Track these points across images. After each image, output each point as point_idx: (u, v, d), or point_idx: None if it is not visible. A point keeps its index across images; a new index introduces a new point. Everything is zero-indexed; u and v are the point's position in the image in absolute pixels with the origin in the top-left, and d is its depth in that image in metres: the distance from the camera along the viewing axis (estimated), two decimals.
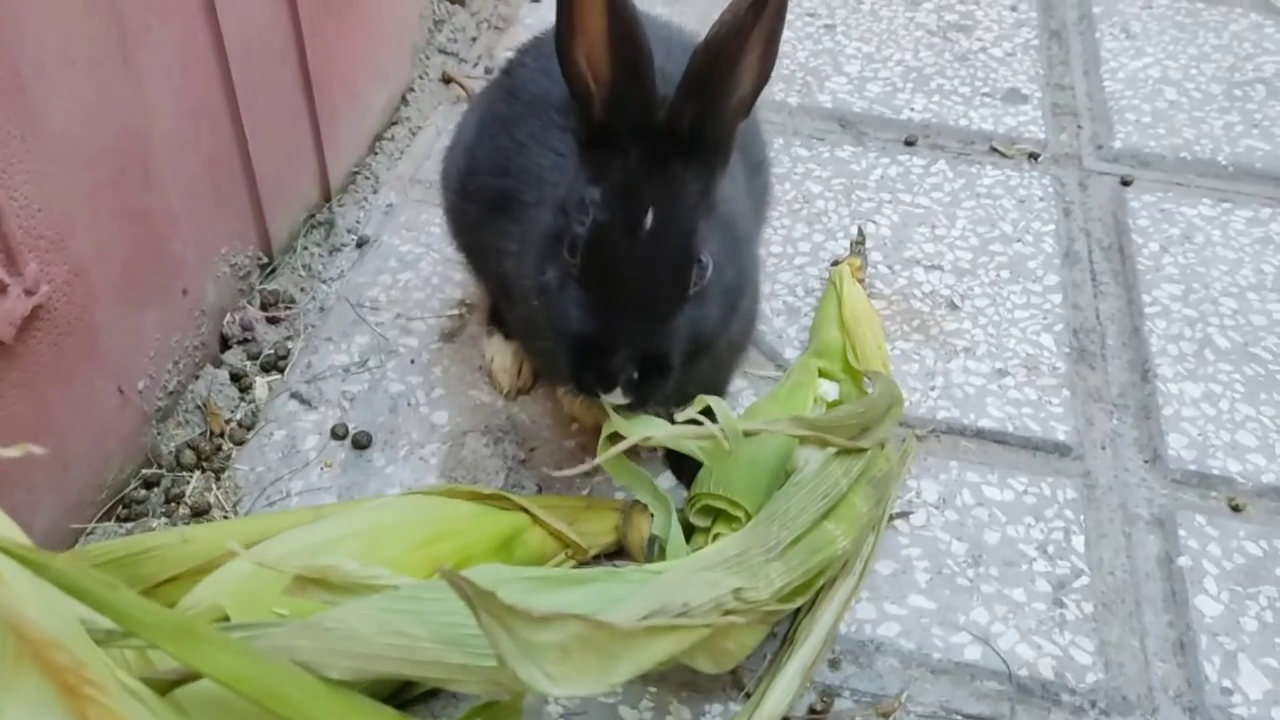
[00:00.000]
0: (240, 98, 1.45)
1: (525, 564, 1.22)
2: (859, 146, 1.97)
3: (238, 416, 1.45)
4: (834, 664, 1.20)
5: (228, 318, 1.53)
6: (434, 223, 1.74)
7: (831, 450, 1.21)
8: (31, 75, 1.06)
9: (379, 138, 1.92)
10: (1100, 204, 1.86)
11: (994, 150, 1.97)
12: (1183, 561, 1.31)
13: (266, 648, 0.82)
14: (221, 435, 1.42)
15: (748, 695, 1.15)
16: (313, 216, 1.73)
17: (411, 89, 2.02)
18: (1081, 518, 1.35)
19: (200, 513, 1.32)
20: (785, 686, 1.12)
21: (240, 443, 1.42)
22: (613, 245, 1.08)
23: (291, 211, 1.68)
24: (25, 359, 1.12)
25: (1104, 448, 1.45)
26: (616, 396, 1.08)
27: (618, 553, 1.28)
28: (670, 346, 1.09)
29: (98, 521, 1.29)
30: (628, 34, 1.05)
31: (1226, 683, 1.19)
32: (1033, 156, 1.95)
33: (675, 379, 1.10)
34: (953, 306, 1.65)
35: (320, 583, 0.87)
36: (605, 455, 1.06)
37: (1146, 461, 1.43)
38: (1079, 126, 2.03)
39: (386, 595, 0.87)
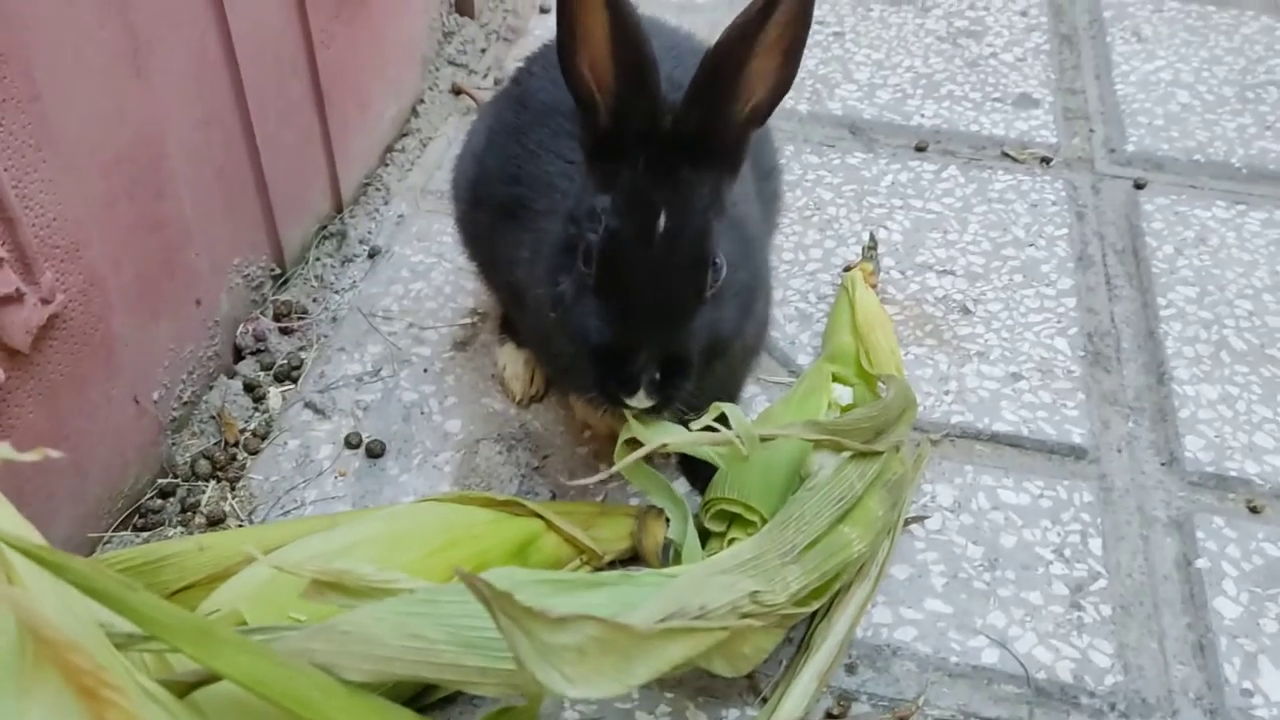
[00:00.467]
0: (252, 109, 1.46)
1: (540, 569, 1.21)
2: (870, 153, 1.97)
3: (252, 426, 1.45)
4: (851, 668, 1.20)
5: (241, 328, 1.54)
6: (445, 232, 1.75)
7: (846, 454, 1.21)
8: (46, 85, 1.07)
9: (390, 149, 1.93)
10: (1114, 207, 1.85)
11: (1005, 155, 1.97)
12: (1201, 563, 1.30)
13: (285, 650, 0.82)
14: (236, 445, 1.42)
15: (764, 700, 1.15)
16: (325, 227, 1.74)
17: (422, 100, 2.03)
18: (1098, 520, 1.35)
19: (216, 522, 1.32)
20: (802, 691, 1.11)
21: (255, 452, 1.42)
22: (627, 251, 1.07)
23: (304, 223, 1.69)
24: (42, 368, 1.13)
25: (1120, 450, 1.44)
26: (641, 400, 1.07)
27: (632, 559, 1.28)
28: (690, 348, 1.08)
29: (114, 531, 1.30)
30: (631, 39, 1.05)
31: (1247, 684, 1.18)
32: (1045, 161, 1.94)
33: (694, 382, 1.09)
34: (966, 311, 1.64)
35: (337, 586, 0.87)
36: (624, 462, 1.06)
37: (1163, 464, 1.42)
38: (1091, 130, 2.03)
39: (403, 598, 0.87)
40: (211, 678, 0.82)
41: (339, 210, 1.79)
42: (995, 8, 2.37)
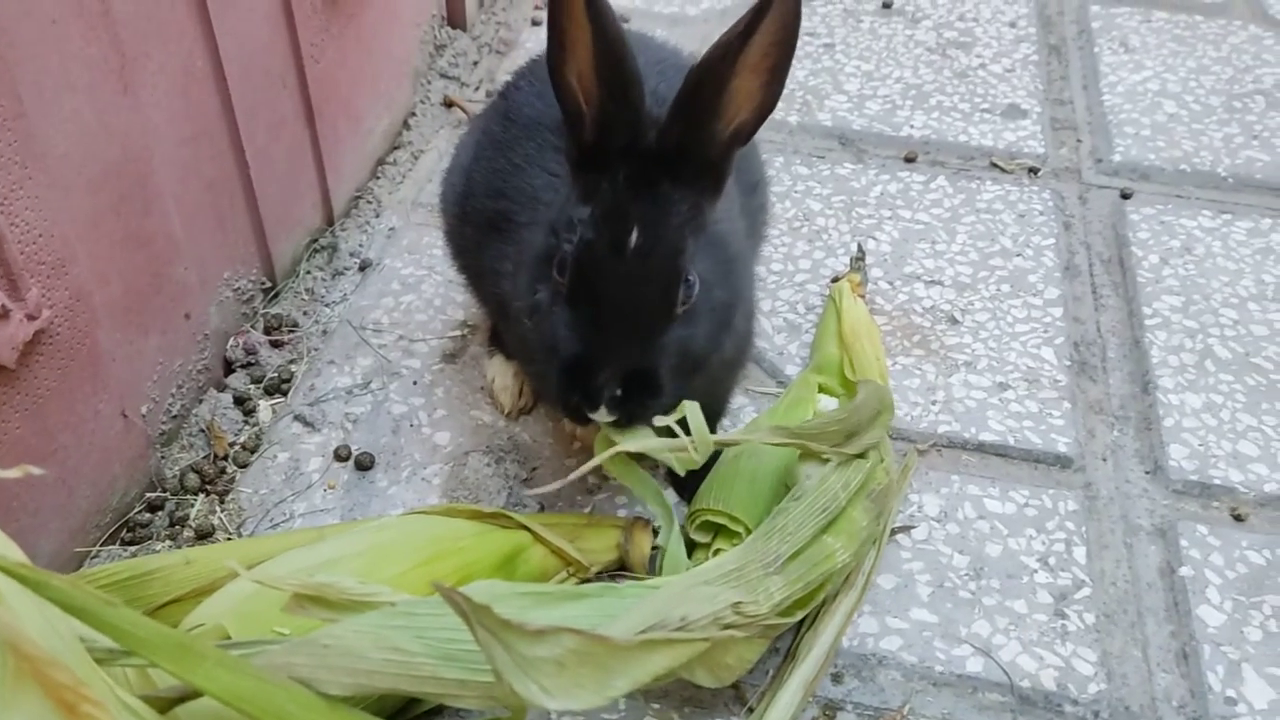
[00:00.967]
0: (241, 123, 1.46)
1: (526, 581, 1.22)
2: (859, 164, 1.98)
3: (241, 439, 1.46)
4: (836, 678, 1.20)
5: (231, 341, 1.54)
6: (436, 245, 1.76)
7: (831, 464, 1.21)
8: (32, 101, 1.08)
9: (381, 162, 1.94)
10: (1100, 217, 1.86)
11: (994, 165, 1.97)
12: (1185, 572, 1.30)
13: (265, 665, 0.82)
14: (225, 458, 1.43)
15: (750, 710, 1.15)
16: (315, 241, 1.75)
17: (413, 113, 2.04)
18: (1083, 529, 1.35)
19: (204, 535, 1.33)
20: (788, 701, 1.12)
21: (244, 465, 1.43)
22: (599, 263, 1.08)
23: (294, 236, 1.69)
24: (28, 383, 1.13)
25: (1105, 459, 1.44)
26: (603, 415, 1.07)
27: (620, 570, 1.28)
28: (657, 363, 1.09)
29: (102, 545, 1.30)
30: (615, 58, 1.06)
31: (1231, 693, 1.18)
32: (1032, 171, 1.95)
33: (667, 398, 1.09)
34: (953, 321, 1.65)
35: (318, 600, 0.88)
36: (586, 467, 1.05)
37: (1148, 472, 1.43)
38: (1078, 140, 2.04)
39: (383, 612, 0.88)
40: (193, 693, 0.82)
41: (330, 223, 1.79)
42: (984, 19, 2.39)
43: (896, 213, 1.86)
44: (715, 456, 1.31)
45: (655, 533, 1.24)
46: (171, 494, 1.37)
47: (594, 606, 0.98)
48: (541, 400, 1.49)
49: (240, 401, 1.50)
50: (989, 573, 1.30)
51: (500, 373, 1.51)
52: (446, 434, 1.48)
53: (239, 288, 1.56)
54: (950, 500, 1.39)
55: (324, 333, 1.63)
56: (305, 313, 1.65)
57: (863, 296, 1.61)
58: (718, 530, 1.22)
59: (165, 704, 0.84)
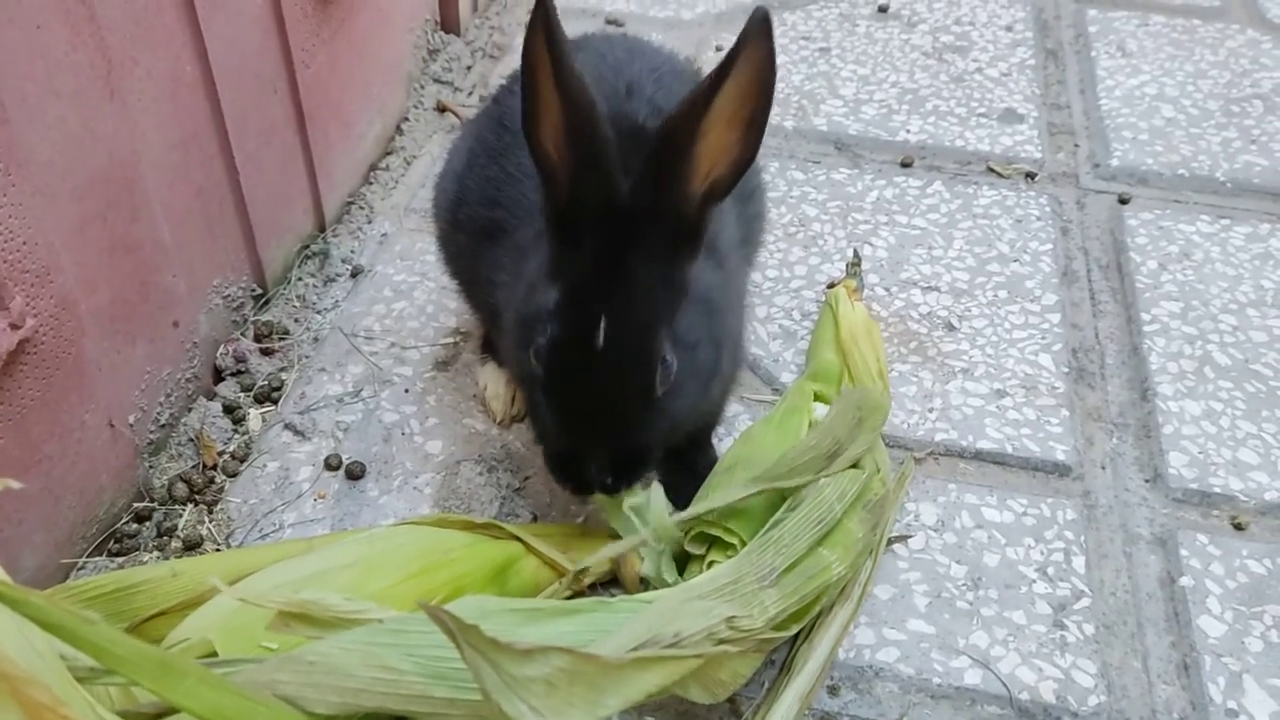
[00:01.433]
0: (230, 129, 1.45)
1: (519, 593, 1.20)
2: (855, 169, 1.97)
3: (230, 448, 1.44)
4: (833, 690, 1.19)
5: (221, 349, 1.53)
6: (429, 251, 1.74)
7: (827, 475, 1.20)
8: (15, 108, 1.06)
9: (374, 167, 1.92)
10: (1098, 222, 1.85)
11: (990, 170, 1.96)
12: (1185, 581, 1.29)
13: (249, 682, 0.81)
14: (214, 468, 1.41)
15: None
16: (307, 247, 1.73)
17: (406, 118, 2.02)
18: (1082, 538, 1.34)
19: (192, 546, 1.31)
20: (784, 714, 1.10)
21: (233, 475, 1.41)
22: (571, 361, 1.07)
23: (285, 242, 1.68)
24: (12, 393, 1.12)
25: (1104, 467, 1.43)
26: (597, 497, 1.13)
27: (615, 580, 1.27)
28: (643, 444, 1.11)
29: (89, 556, 1.29)
30: (585, 126, 1.04)
31: (1232, 704, 1.17)
32: (1030, 176, 1.94)
33: (654, 462, 1.13)
34: (950, 327, 1.63)
35: (304, 617, 0.86)
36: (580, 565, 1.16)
37: (1147, 481, 1.42)
38: (1076, 145, 2.02)
39: (371, 628, 0.86)
40: (175, 711, 0.81)
41: (322, 229, 1.78)
42: (980, 23, 2.38)
43: (893, 218, 1.85)
44: (711, 463, 1.31)
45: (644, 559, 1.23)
46: (159, 504, 1.35)
47: (586, 622, 0.96)
48: None
49: (230, 410, 1.48)
50: (987, 583, 1.29)
51: (493, 380, 1.49)
52: (438, 443, 1.46)
53: (229, 295, 1.54)
54: (947, 509, 1.37)
55: (315, 340, 1.61)
56: (296, 320, 1.64)
57: (859, 302, 1.60)
58: (712, 542, 1.21)
59: None
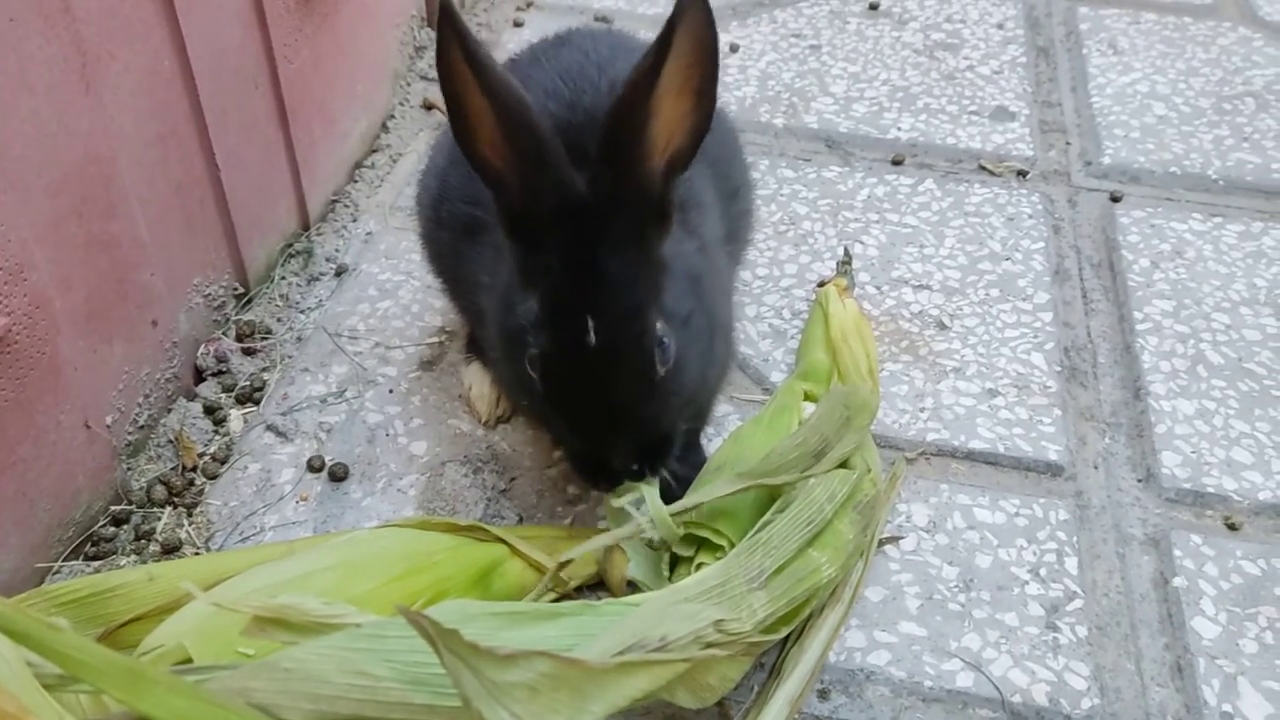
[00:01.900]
0: (211, 124, 1.43)
1: (504, 597, 1.18)
2: (846, 166, 1.95)
3: (211, 450, 1.41)
4: (823, 694, 1.17)
5: (202, 349, 1.50)
6: (414, 250, 1.71)
7: (817, 476, 1.18)
8: None
9: (359, 165, 1.90)
10: (1090, 220, 1.83)
11: (982, 168, 1.95)
12: (1178, 582, 1.27)
13: (221, 690, 0.78)
14: (194, 469, 1.39)
15: None
16: (290, 245, 1.71)
17: (392, 115, 2.00)
18: (1074, 539, 1.32)
19: (171, 550, 1.28)
20: (773, 718, 1.08)
21: (213, 477, 1.39)
22: (567, 369, 1.06)
23: (268, 240, 1.65)
24: None
25: (1096, 467, 1.41)
26: (627, 486, 1.11)
27: (600, 584, 1.25)
28: (663, 426, 1.10)
29: (65, 560, 1.26)
30: (517, 122, 1.02)
31: (1227, 707, 1.15)
32: (1021, 174, 1.93)
33: (677, 441, 1.13)
34: (942, 326, 1.62)
35: (280, 622, 0.84)
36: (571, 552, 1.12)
37: (1140, 481, 1.40)
38: (1067, 143, 2.01)
39: (348, 633, 0.84)
40: (146, 719, 0.78)
41: (305, 228, 1.76)
42: (972, 20, 2.36)
43: (884, 216, 1.83)
44: (700, 463, 1.29)
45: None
46: (138, 507, 1.33)
47: (571, 626, 0.94)
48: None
49: (210, 411, 1.46)
50: (979, 584, 1.27)
51: (478, 380, 1.47)
52: (423, 443, 1.44)
53: (209, 294, 1.52)
54: (939, 510, 1.36)
55: (298, 340, 1.59)
56: (279, 319, 1.61)
57: (850, 300, 1.58)
58: (700, 544, 1.19)
59: None
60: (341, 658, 0.82)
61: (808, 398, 1.39)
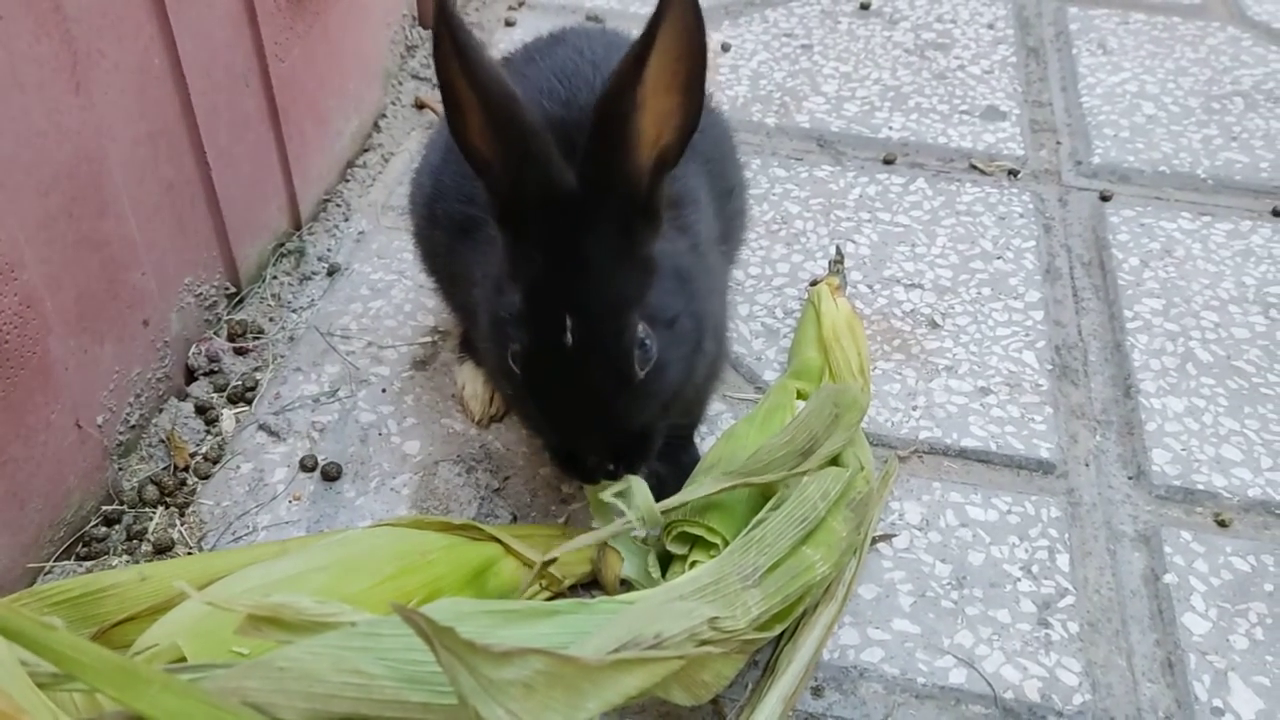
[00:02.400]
0: (201, 123, 1.42)
1: (498, 596, 1.18)
2: (837, 166, 1.95)
3: (203, 450, 1.41)
4: (817, 691, 1.17)
5: (193, 349, 1.50)
6: (406, 249, 1.72)
7: (810, 474, 1.18)
8: None
9: (350, 164, 1.90)
10: (1080, 219, 1.84)
11: (973, 168, 1.95)
12: (1169, 579, 1.28)
13: (216, 689, 0.78)
14: (186, 469, 1.38)
15: None
16: (282, 245, 1.71)
17: (384, 115, 2.00)
18: (1066, 536, 1.33)
19: (163, 550, 1.28)
20: (767, 715, 1.08)
21: (205, 477, 1.38)
22: (545, 365, 1.06)
23: (260, 240, 1.65)
24: None
25: (1088, 465, 1.42)
26: (604, 483, 1.12)
27: (594, 582, 1.25)
28: (638, 425, 1.10)
29: (56, 560, 1.26)
30: (506, 117, 1.02)
31: (1217, 702, 1.16)
32: (1012, 173, 1.93)
33: (656, 442, 1.13)
34: (934, 325, 1.62)
35: (274, 621, 0.84)
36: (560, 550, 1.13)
37: (1130, 478, 1.41)
38: (1058, 143, 2.02)
39: (343, 632, 0.84)
40: (140, 718, 0.78)
41: (297, 227, 1.75)
42: (962, 20, 2.37)
43: (875, 215, 1.83)
44: (694, 462, 1.29)
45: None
46: (129, 507, 1.33)
47: (565, 624, 0.94)
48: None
49: (202, 410, 1.45)
50: (971, 581, 1.27)
51: (471, 380, 1.47)
52: (416, 443, 1.44)
53: (201, 293, 1.52)
54: (932, 508, 1.36)
55: (290, 339, 1.59)
56: (271, 319, 1.61)
57: (842, 299, 1.58)
58: (694, 542, 1.19)
59: None
60: (336, 656, 0.81)
61: (800, 396, 1.39)
